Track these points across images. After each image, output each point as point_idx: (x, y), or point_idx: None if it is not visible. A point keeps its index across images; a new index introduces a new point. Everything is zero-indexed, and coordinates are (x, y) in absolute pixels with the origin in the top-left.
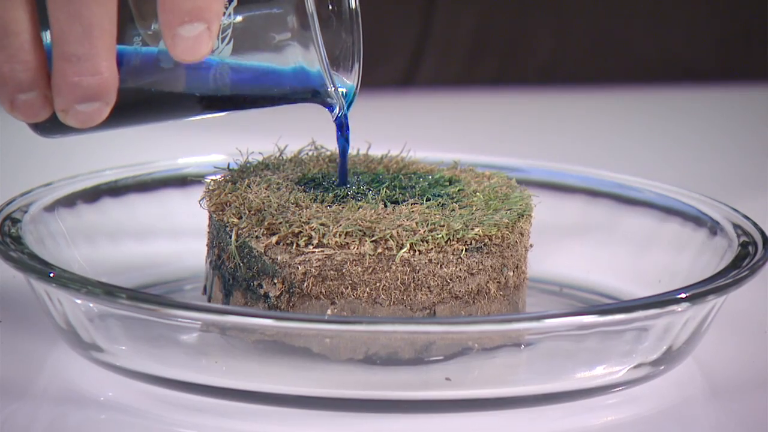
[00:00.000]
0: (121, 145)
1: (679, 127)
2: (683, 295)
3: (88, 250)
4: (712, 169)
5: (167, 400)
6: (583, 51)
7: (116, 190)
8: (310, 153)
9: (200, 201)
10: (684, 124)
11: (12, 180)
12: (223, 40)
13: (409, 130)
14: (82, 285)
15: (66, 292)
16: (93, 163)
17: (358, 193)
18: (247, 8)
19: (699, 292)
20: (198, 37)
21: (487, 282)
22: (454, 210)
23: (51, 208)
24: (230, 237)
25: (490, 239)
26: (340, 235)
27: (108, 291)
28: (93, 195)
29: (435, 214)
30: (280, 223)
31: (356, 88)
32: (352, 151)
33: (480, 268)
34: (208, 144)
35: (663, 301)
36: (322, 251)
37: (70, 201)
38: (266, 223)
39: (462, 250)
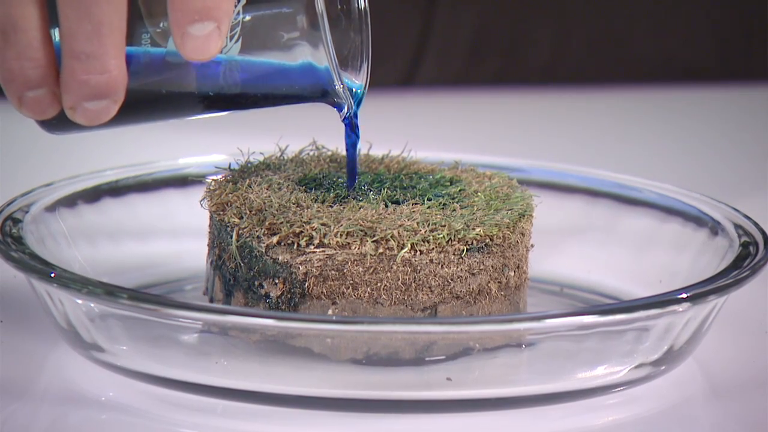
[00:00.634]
0: (121, 145)
1: (679, 127)
2: (684, 295)
3: (89, 250)
4: (712, 169)
5: (168, 400)
6: (583, 51)
7: (117, 190)
8: (311, 153)
9: (201, 201)
10: (684, 124)
11: (13, 180)
12: (231, 38)
13: (409, 130)
14: (83, 285)
15: (67, 292)
16: (94, 163)
17: (359, 193)
18: (256, 7)
19: (700, 292)
20: (208, 36)
21: (488, 282)
22: (455, 210)
23: (52, 208)
24: (231, 237)
25: (491, 239)
26: (341, 235)
27: (109, 291)
28: (94, 195)
29: (436, 214)
30: (281, 223)
31: (365, 88)
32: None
33: (481, 268)
34: (209, 144)
35: (664, 301)
36: (323, 251)
37: (70, 201)
38: (267, 223)
39: (463, 250)
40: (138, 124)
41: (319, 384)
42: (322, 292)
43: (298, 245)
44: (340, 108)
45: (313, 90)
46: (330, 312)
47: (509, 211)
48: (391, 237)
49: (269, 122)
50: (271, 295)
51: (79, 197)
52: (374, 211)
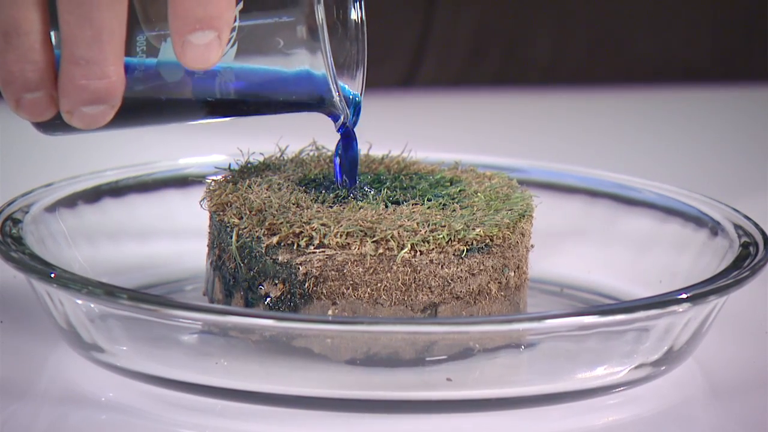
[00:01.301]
0: (122, 146)
1: (678, 127)
2: (684, 296)
3: (89, 250)
4: (712, 169)
5: (168, 400)
6: (583, 51)
7: (117, 190)
8: (311, 153)
9: (201, 201)
10: (684, 124)
11: (13, 180)
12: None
13: (409, 130)
14: (83, 285)
15: (67, 293)
16: (94, 164)
17: (359, 193)
18: (254, 14)
19: (700, 292)
20: (208, 45)
21: (488, 282)
22: (455, 210)
23: (52, 208)
24: (231, 237)
25: (492, 240)
26: (341, 236)
27: (109, 291)
28: (94, 195)
29: (436, 215)
30: (281, 223)
31: (360, 96)
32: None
33: (481, 268)
34: (209, 144)
35: (664, 301)
36: (323, 252)
37: (71, 201)
38: (267, 224)
39: (463, 251)
40: (133, 128)
41: (319, 384)
42: (322, 293)
43: (298, 246)
44: (335, 118)
45: (310, 99)
46: (330, 312)
47: (509, 212)
48: (391, 237)
49: (269, 122)
50: (271, 295)
51: (79, 197)
52: (374, 211)
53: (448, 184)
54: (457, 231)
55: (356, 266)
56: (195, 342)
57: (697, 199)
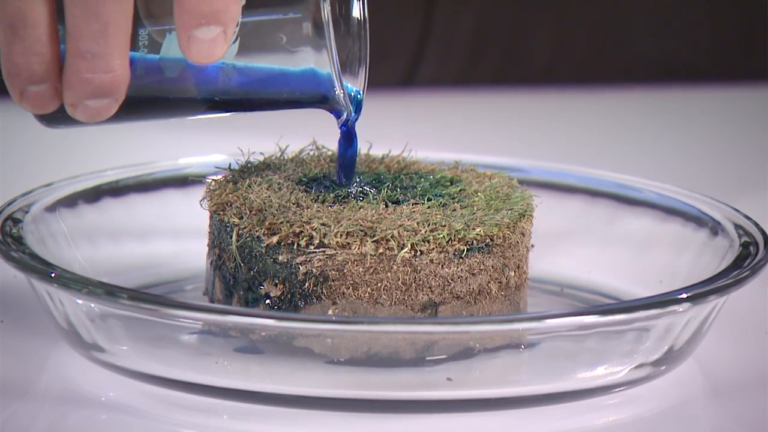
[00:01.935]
0: (122, 145)
1: (678, 127)
2: (684, 296)
3: (89, 250)
4: (712, 169)
5: (168, 400)
6: (583, 51)
7: (117, 190)
8: (312, 153)
9: (201, 201)
10: (684, 124)
11: (13, 180)
12: None
13: (409, 130)
14: (83, 285)
15: (67, 292)
16: (94, 164)
17: (359, 193)
18: (257, 10)
19: (700, 292)
20: (213, 41)
21: (489, 282)
22: (455, 210)
23: (52, 208)
24: (231, 237)
25: (492, 239)
26: (341, 235)
27: (109, 291)
28: (94, 195)
29: (436, 214)
30: (281, 223)
31: (362, 93)
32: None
33: (481, 268)
34: (209, 144)
35: (664, 301)
36: (324, 251)
37: (71, 201)
38: (267, 223)
39: (463, 250)
40: (136, 122)
41: (319, 384)
42: (322, 292)
43: (298, 245)
44: (338, 114)
45: (314, 95)
46: (330, 312)
47: (509, 211)
48: (391, 237)
49: (269, 122)
50: (271, 295)
51: (79, 197)
52: (374, 211)
53: (449, 183)
54: (457, 231)
55: (356, 266)
56: (195, 342)
57: (697, 199)
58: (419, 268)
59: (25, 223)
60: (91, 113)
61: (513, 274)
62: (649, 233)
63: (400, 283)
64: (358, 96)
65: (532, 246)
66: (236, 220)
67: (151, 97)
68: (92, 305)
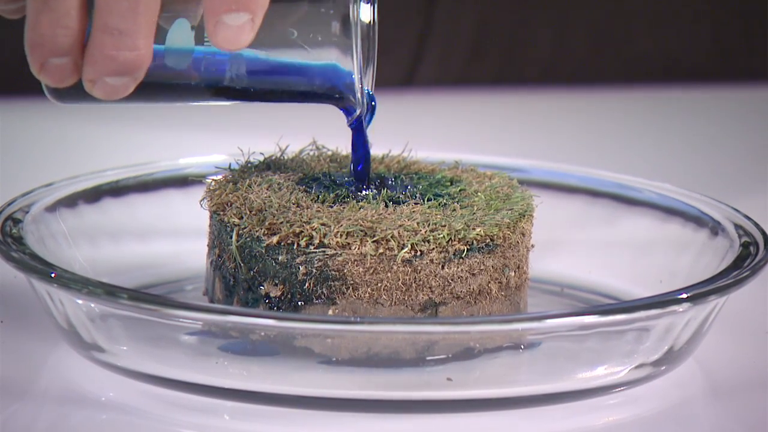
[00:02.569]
0: (122, 146)
1: (679, 126)
2: (684, 296)
3: (90, 250)
4: (712, 169)
5: (168, 400)
6: (583, 51)
7: (117, 190)
8: (312, 153)
9: (201, 201)
10: (684, 124)
11: (13, 180)
12: None
13: (409, 129)
14: (83, 285)
15: (67, 293)
16: (94, 164)
17: (359, 193)
18: (287, 3)
19: (700, 292)
20: (241, 27)
21: (489, 282)
22: (455, 210)
23: (52, 208)
24: (231, 237)
25: (492, 239)
26: (341, 236)
27: (109, 291)
28: (94, 195)
29: (436, 214)
30: (281, 223)
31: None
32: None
33: (481, 268)
34: (209, 144)
35: (664, 301)
36: (324, 251)
37: (71, 201)
38: (267, 223)
39: (463, 251)
40: (150, 103)
41: (319, 384)
42: (322, 293)
43: (298, 245)
44: (348, 112)
45: (331, 90)
46: (330, 312)
47: (509, 211)
48: (392, 237)
49: (269, 122)
50: (271, 295)
51: (79, 197)
52: (374, 211)
53: (449, 183)
54: (457, 231)
55: (356, 266)
56: (195, 342)
57: (697, 199)
58: (419, 268)
59: (25, 223)
60: (109, 90)
61: (513, 274)
62: (649, 233)
63: (400, 283)
64: (373, 101)
65: (532, 246)
66: (236, 220)
67: (167, 79)
68: (92, 305)
